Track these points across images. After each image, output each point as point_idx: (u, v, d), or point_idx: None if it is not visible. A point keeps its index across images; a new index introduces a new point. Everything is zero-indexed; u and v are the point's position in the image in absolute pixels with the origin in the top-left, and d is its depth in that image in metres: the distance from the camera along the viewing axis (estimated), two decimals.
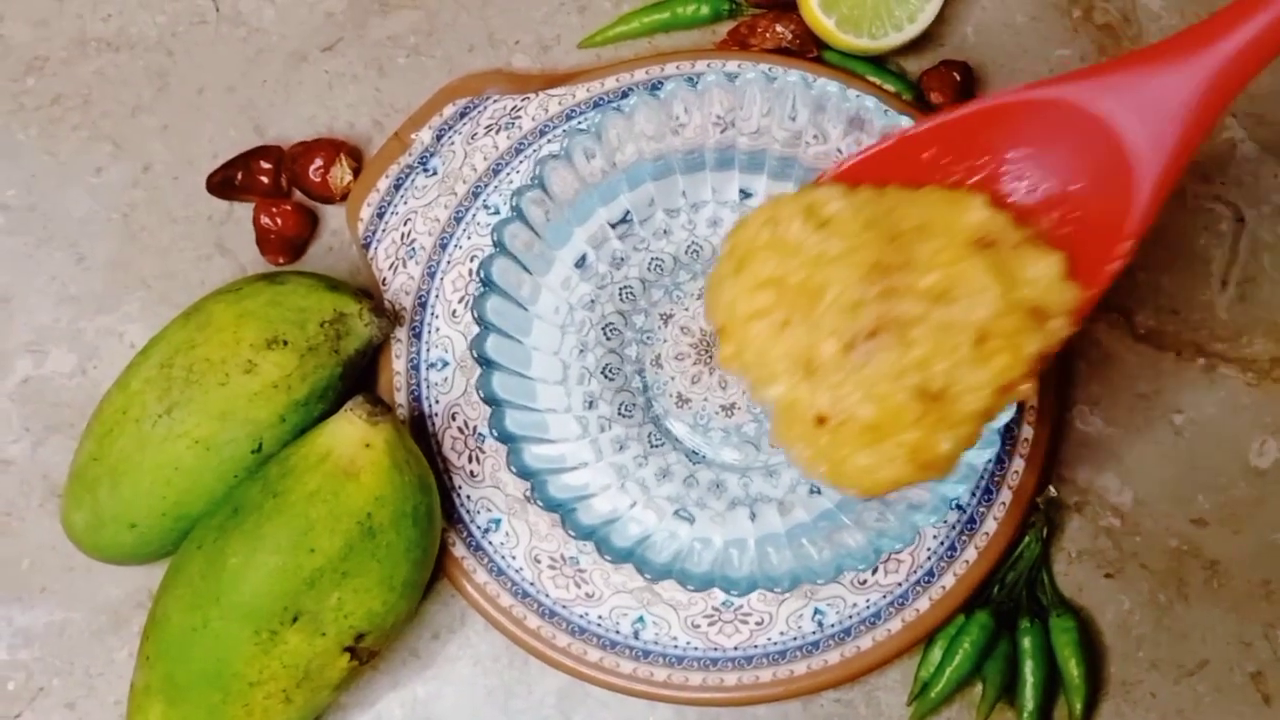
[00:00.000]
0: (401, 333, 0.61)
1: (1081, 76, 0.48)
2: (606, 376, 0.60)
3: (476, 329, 0.55)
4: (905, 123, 0.56)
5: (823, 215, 0.50)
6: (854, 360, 0.47)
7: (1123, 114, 0.48)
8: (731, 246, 0.51)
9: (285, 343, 0.56)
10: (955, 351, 0.47)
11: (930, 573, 0.57)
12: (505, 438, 0.53)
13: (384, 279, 0.62)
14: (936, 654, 0.58)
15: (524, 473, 0.53)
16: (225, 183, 0.65)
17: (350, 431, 0.53)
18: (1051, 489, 0.59)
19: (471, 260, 0.62)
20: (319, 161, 0.64)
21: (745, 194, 0.61)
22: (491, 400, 0.54)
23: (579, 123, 0.63)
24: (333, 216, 0.65)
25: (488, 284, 0.55)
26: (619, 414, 0.59)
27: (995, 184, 0.50)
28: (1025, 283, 0.48)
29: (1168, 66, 0.47)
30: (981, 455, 0.52)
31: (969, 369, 0.47)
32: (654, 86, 0.57)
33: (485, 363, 0.54)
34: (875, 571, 0.57)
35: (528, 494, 0.55)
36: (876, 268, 0.48)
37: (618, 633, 0.57)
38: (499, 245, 0.55)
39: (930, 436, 0.48)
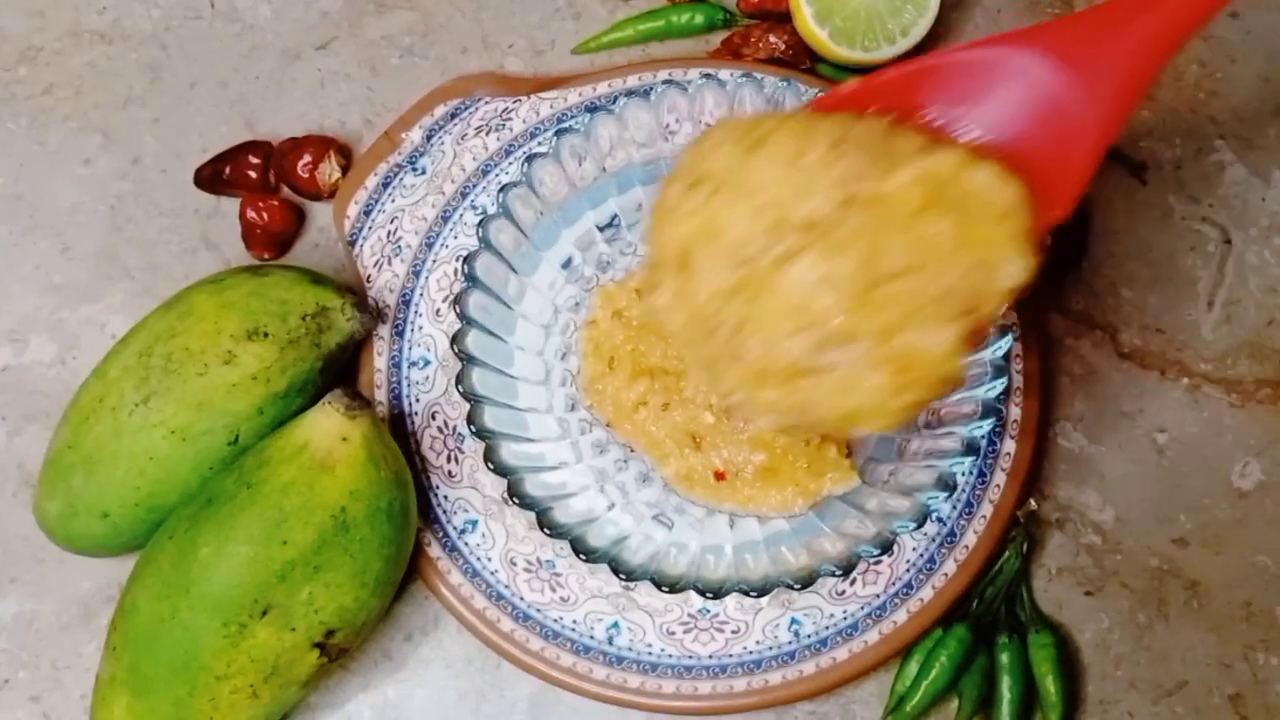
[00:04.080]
0: (384, 330, 0.61)
1: (1024, 37, 0.48)
2: None
3: (459, 324, 0.54)
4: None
5: (753, 142, 0.48)
6: (735, 424, 0.54)
7: (1063, 74, 0.47)
8: (594, 346, 0.58)
9: (266, 334, 0.55)
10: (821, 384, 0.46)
11: (909, 585, 0.57)
12: (483, 433, 0.53)
13: (369, 276, 0.62)
14: (913, 667, 0.57)
15: (501, 469, 0.53)
16: (213, 177, 0.64)
17: (327, 424, 0.52)
18: (1031, 502, 0.58)
19: (457, 260, 0.62)
20: (308, 158, 0.63)
21: None
22: (471, 395, 0.53)
23: (570, 124, 0.63)
24: (320, 213, 0.65)
25: (471, 279, 0.55)
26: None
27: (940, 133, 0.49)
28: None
29: (1106, 29, 0.47)
30: (960, 465, 0.52)
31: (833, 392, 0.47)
32: (645, 92, 0.57)
33: (466, 358, 0.54)
34: (853, 582, 0.57)
35: (505, 494, 0.55)
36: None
37: (592, 638, 0.57)
38: (484, 241, 0.55)
39: (819, 451, 0.54)
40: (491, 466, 0.52)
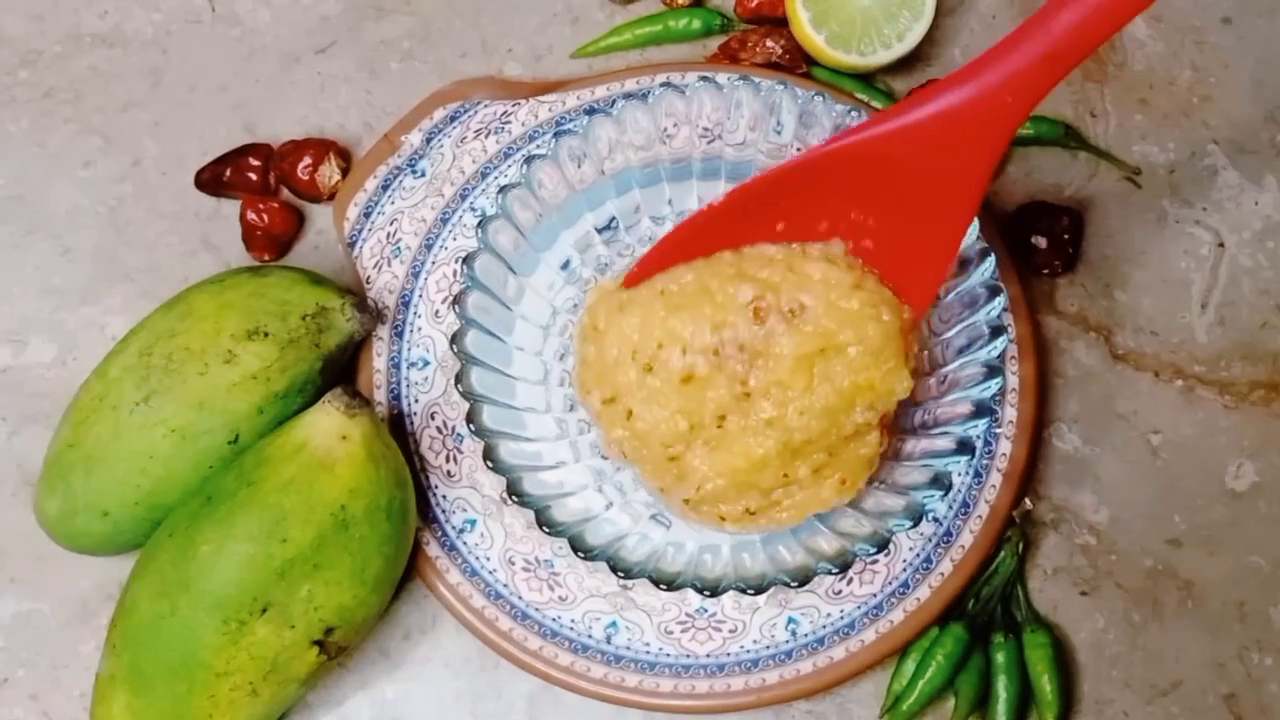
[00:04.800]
0: (383, 331, 0.61)
1: (882, 120, 0.51)
2: None
3: (458, 325, 0.55)
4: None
5: (646, 362, 0.54)
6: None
7: (922, 151, 0.50)
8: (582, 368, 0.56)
9: (266, 334, 0.56)
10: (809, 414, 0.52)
11: (905, 584, 0.57)
12: (482, 432, 0.53)
13: (368, 277, 0.62)
14: (909, 666, 0.57)
15: (500, 468, 0.53)
16: (214, 179, 0.65)
17: (327, 423, 0.53)
18: (1027, 502, 0.59)
19: (456, 261, 0.62)
20: (308, 160, 0.64)
21: None
22: (470, 394, 0.54)
23: (568, 126, 0.63)
24: (319, 216, 0.65)
25: (471, 279, 0.55)
26: None
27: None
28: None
29: (955, 98, 0.50)
30: (956, 464, 0.52)
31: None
32: (643, 95, 0.57)
33: (465, 357, 0.54)
34: (850, 582, 0.57)
35: (505, 494, 0.55)
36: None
37: (590, 637, 0.57)
38: (483, 242, 0.56)
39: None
40: (491, 465, 0.53)
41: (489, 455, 0.53)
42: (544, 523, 0.52)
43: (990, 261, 0.54)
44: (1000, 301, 0.53)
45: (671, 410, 0.53)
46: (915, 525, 0.51)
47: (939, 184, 0.51)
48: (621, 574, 0.51)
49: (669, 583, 0.51)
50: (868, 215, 0.53)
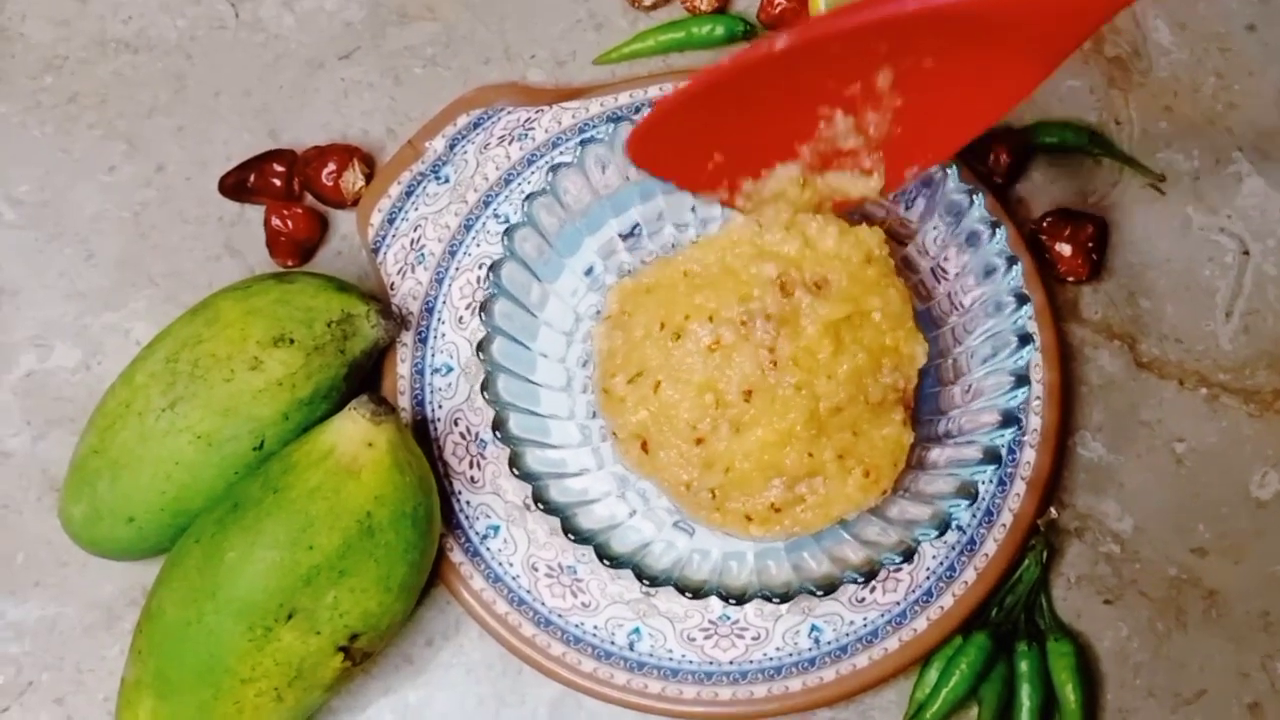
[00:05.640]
0: (407, 337, 0.61)
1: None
2: None
3: (483, 332, 0.55)
4: None
5: (675, 331, 0.54)
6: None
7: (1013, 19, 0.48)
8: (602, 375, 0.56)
9: (292, 341, 0.56)
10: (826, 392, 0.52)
11: (929, 593, 0.57)
12: (509, 439, 0.53)
13: (392, 284, 0.62)
14: (933, 675, 0.57)
15: (525, 475, 0.53)
16: (238, 185, 0.65)
17: (353, 430, 0.53)
18: (1052, 510, 0.59)
19: (480, 268, 0.62)
20: (332, 166, 0.64)
21: None
22: (496, 402, 0.54)
23: (593, 133, 0.63)
24: (343, 221, 0.66)
25: (497, 287, 0.55)
26: None
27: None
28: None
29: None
30: (982, 473, 0.52)
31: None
32: None
33: (492, 365, 0.54)
34: (873, 590, 0.57)
35: (528, 500, 0.55)
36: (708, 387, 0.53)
37: (613, 643, 0.57)
38: (509, 249, 0.56)
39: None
40: (517, 473, 0.53)
41: (515, 463, 0.53)
42: (569, 530, 0.52)
43: (1017, 269, 0.54)
44: (1028, 309, 0.53)
45: (697, 383, 0.52)
46: (941, 535, 0.51)
47: (1011, 55, 0.49)
48: (647, 581, 0.51)
49: (695, 590, 0.51)
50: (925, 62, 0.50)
